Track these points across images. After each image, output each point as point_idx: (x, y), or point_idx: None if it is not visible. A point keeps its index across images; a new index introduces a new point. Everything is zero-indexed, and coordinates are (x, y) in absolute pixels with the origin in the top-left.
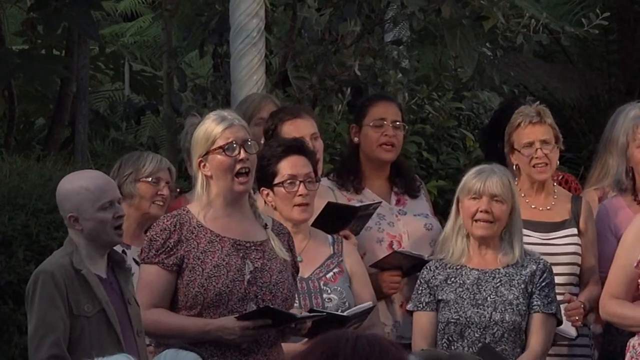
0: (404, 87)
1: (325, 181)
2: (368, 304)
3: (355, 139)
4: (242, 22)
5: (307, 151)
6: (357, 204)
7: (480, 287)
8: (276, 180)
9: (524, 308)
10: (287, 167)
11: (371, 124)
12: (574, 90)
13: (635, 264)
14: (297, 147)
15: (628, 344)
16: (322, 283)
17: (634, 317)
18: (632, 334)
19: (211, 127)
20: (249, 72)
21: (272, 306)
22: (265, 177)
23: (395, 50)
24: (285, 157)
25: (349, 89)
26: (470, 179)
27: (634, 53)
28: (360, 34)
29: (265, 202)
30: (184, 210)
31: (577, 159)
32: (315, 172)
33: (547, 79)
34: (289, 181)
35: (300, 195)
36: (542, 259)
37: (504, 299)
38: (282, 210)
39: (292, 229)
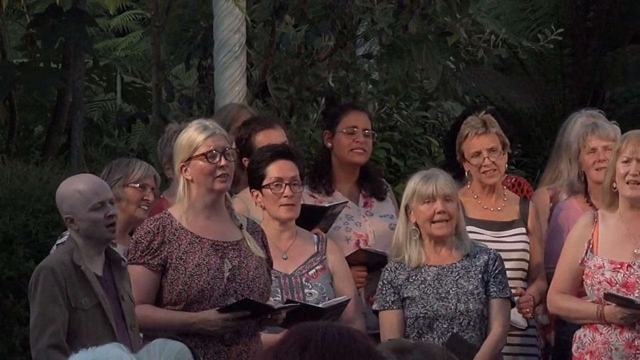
0: (374, 97)
1: None
2: (344, 297)
3: (328, 144)
4: (225, 38)
5: (294, 156)
6: (326, 204)
7: (441, 281)
8: (264, 183)
9: (483, 296)
10: (274, 170)
11: (344, 131)
12: (530, 100)
13: (579, 262)
14: (284, 152)
15: (574, 335)
16: (303, 279)
17: (578, 310)
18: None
19: (194, 135)
20: (232, 84)
21: (250, 298)
22: (255, 180)
23: (366, 63)
24: (273, 161)
25: (323, 99)
26: (420, 186)
27: (586, 66)
28: (334, 49)
29: (255, 203)
30: (165, 213)
31: (534, 163)
32: (302, 175)
33: (506, 90)
34: (275, 183)
35: (285, 196)
36: (491, 249)
37: (465, 290)
38: (269, 210)
39: (278, 228)
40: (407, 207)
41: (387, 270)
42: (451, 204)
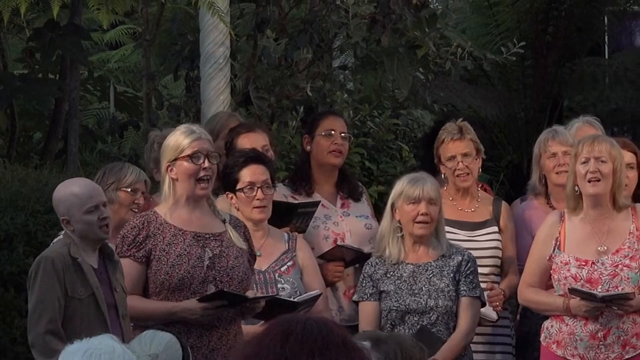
0: (349, 105)
1: (280, 187)
2: (315, 292)
3: (308, 148)
4: (211, 50)
5: (265, 160)
6: (297, 202)
7: (415, 278)
8: (238, 186)
9: (453, 294)
10: (246, 175)
11: (322, 134)
12: (494, 108)
13: (547, 258)
14: (256, 157)
15: (542, 325)
16: (277, 275)
17: (547, 302)
18: (545, 317)
19: (181, 137)
20: (217, 93)
21: (225, 290)
22: (229, 183)
23: (341, 74)
24: (245, 166)
25: (302, 108)
26: (408, 187)
27: (546, 76)
28: (312, 61)
29: (230, 205)
30: (151, 211)
31: (497, 167)
32: (272, 178)
33: (472, 99)
34: (248, 187)
35: (258, 199)
36: (466, 251)
37: (437, 287)
38: (243, 211)
39: (252, 227)
40: (393, 206)
41: (369, 264)
42: (434, 207)
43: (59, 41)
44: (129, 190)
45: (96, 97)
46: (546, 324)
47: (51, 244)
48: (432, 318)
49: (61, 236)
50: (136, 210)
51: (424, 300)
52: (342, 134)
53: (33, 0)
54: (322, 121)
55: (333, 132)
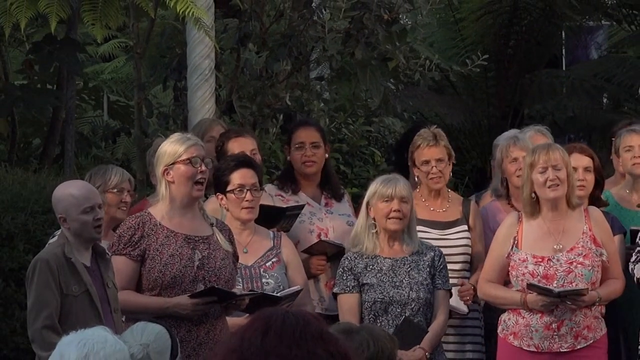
0: (325, 114)
1: (270, 186)
2: (297, 287)
3: (288, 157)
4: (197, 62)
5: (254, 165)
6: (285, 206)
7: (395, 271)
8: (228, 188)
9: (431, 286)
10: (237, 178)
11: (294, 147)
12: (460, 116)
13: (506, 255)
14: (246, 161)
15: (500, 318)
16: (262, 270)
17: (505, 297)
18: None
19: (178, 143)
20: (202, 102)
21: (216, 286)
22: (220, 185)
23: (318, 84)
24: (236, 169)
25: (281, 116)
26: (382, 187)
27: (508, 87)
28: (291, 72)
29: (220, 205)
30: (145, 212)
31: (463, 171)
32: (260, 181)
33: (439, 108)
34: (238, 189)
35: (246, 200)
36: (436, 247)
37: (416, 280)
38: (232, 211)
39: (240, 227)
40: (368, 204)
41: (347, 259)
42: (405, 204)
43: (57, 54)
44: (115, 190)
45: (91, 106)
46: (503, 316)
47: (47, 243)
48: (414, 309)
49: (56, 237)
50: (124, 208)
51: (406, 292)
52: (313, 144)
53: (32, 16)
54: (294, 134)
55: (303, 144)
